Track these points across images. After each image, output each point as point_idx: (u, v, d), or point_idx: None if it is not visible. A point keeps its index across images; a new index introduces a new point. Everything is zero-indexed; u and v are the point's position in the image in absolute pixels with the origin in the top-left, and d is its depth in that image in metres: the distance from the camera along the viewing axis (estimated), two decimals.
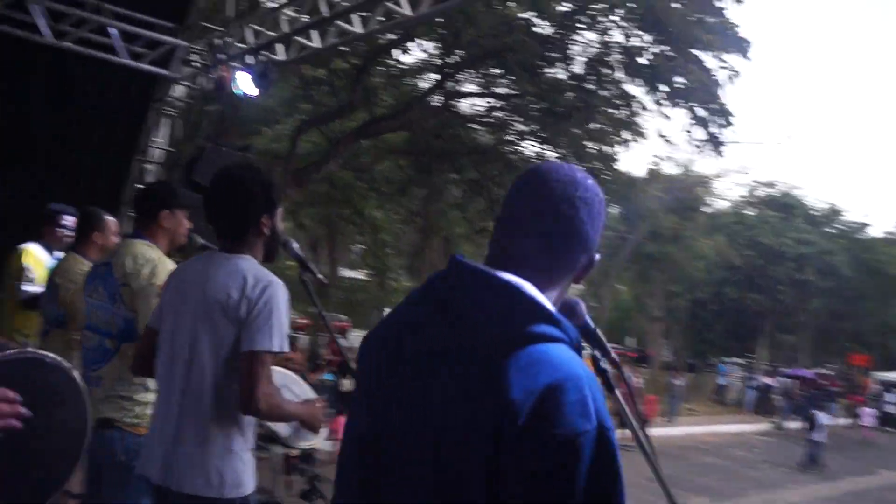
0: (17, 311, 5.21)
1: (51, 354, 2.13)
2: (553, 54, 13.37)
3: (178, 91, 7.50)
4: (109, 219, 4.60)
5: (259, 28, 6.66)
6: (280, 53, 6.85)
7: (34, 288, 4.97)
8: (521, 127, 16.43)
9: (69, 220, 5.10)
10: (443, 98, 15.72)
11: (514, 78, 14.17)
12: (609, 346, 1.89)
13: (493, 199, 18.25)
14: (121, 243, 3.71)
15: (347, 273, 30.30)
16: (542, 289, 1.40)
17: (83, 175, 6.73)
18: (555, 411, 1.20)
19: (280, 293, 2.69)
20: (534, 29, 12.98)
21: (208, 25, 7.05)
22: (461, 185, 19.67)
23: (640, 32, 13.05)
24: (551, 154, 16.51)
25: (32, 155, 6.80)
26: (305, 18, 6.09)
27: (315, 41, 6.43)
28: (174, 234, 3.60)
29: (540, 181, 1.45)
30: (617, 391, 1.86)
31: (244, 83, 6.44)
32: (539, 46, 12.89)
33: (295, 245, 3.26)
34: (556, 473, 1.20)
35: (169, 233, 3.57)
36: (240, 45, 6.87)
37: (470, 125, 17.45)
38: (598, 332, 1.85)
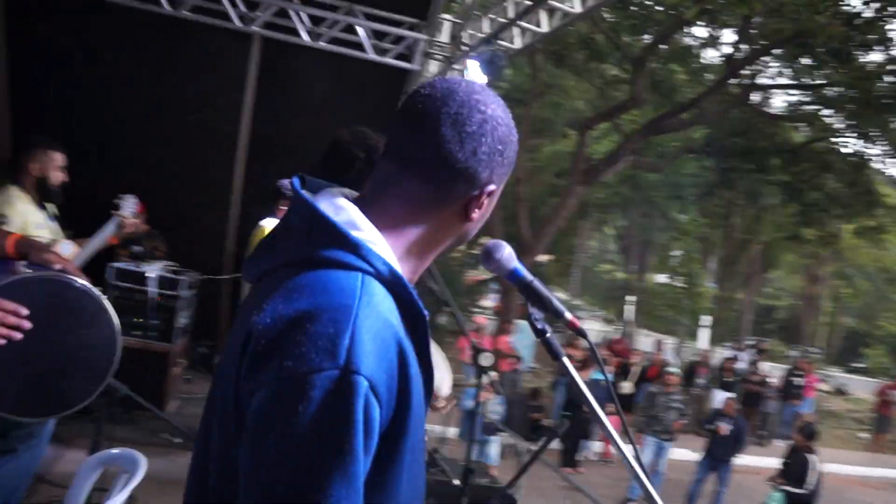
0: None
1: (81, 280, 2.36)
2: (867, 35, 11.74)
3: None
4: None
5: (493, 17, 6.79)
6: (517, 42, 6.90)
7: None
8: (835, 122, 14.69)
9: None
10: (740, 91, 14.62)
11: (816, 66, 12.71)
12: (556, 301, 1.54)
13: (807, 203, 16.61)
14: None
15: (662, 279, 29.48)
16: (404, 222, 1.24)
17: None
18: (293, 341, 1.04)
19: None
20: (842, 7, 11.50)
21: (445, 17, 7.32)
22: (771, 186, 18.15)
23: None
24: (873, 152, 14.58)
25: (293, 149, 7.62)
26: (530, 3, 6.08)
27: (543, 26, 6.38)
28: None
29: (412, 97, 1.27)
30: (565, 359, 1.54)
31: (474, 72, 6.58)
32: (848, 28, 11.40)
33: None
34: (277, 411, 1.03)
35: None
36: (481, 35, 7.06)
37: (776, 121, 16.02)
38: (536, 283, 1.53)
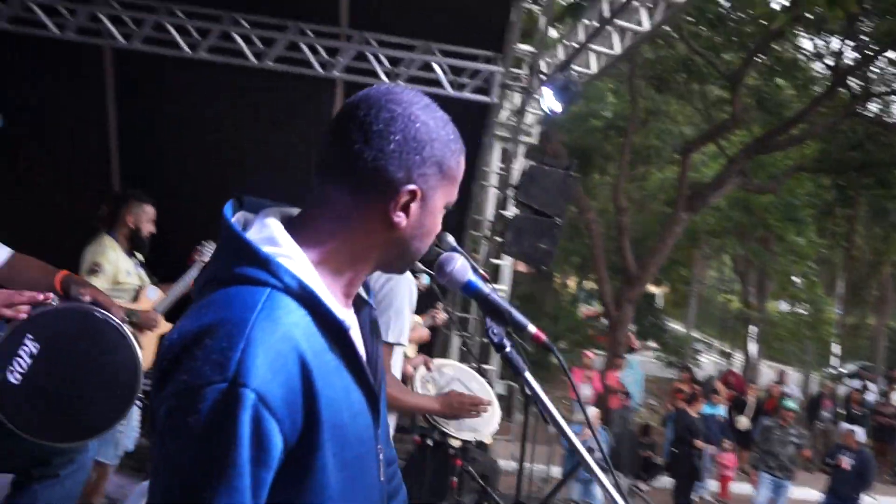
0: None
1: (100, 309, 2.46)
2: None
3: (505, 115, 7.92)
4: None
5: (567, 42, 6.76)
6: (593, 66, 6.83)
7: None
8: None
9: None
10: (850, 100, 13.90)
11: None
12: (517, 313, 1.47)
13: None
14: None
15: (784, 307, 28.08)
16: (327, 235, 1.24)
17: None
18: (191, 356, 1.08)
19: (402, 287, 2.72)
20: None
21: (521, 46, 7.33)
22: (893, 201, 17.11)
23: None
24: None
25: None
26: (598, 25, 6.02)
27: (616, 48, 6.30)
28: None
29: (340, 108, 1.31)
30: (527, 374, 1.47)
31: (549, 100, 6.53)
32: None
33: (450, 238, 3.19)
34: (172, 425, 1.07)
35: None
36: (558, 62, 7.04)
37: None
38: (493, 295, 1.48)
